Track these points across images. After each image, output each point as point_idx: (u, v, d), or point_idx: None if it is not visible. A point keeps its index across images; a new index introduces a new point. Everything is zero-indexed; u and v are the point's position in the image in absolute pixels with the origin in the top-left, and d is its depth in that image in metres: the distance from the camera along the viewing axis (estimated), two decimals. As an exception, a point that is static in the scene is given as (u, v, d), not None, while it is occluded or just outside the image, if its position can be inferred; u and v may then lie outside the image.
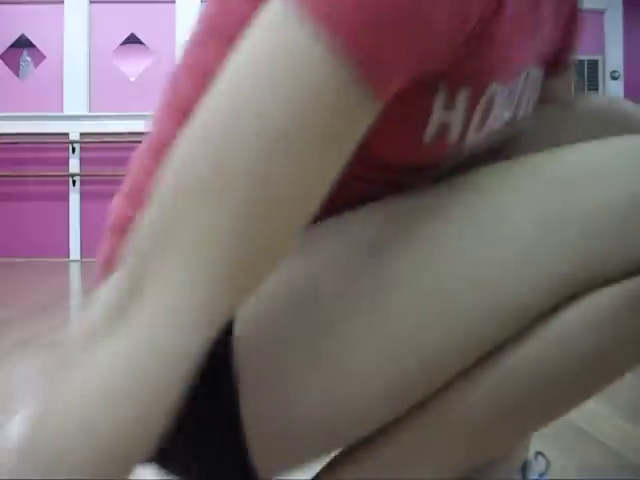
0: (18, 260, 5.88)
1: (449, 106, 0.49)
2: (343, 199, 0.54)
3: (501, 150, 0.67)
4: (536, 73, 0.62)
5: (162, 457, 0.56)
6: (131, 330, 0.40)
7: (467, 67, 0.48)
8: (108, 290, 0.46)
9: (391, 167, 0.54)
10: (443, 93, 0.49)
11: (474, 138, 0.53)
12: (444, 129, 0.51)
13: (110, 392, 0.39)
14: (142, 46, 6.20)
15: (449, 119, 0.50)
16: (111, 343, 0.40)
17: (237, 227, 0.40)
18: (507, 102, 0.55)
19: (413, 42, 0.40)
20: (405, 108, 0.49)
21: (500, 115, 0.55)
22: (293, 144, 0.40)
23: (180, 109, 0.58)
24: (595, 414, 1.25)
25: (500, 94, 0.53)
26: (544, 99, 0.73)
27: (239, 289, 0.42)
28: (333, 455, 0.58)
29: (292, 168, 0.40)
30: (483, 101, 0.51)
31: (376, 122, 0.46)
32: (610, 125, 0.70)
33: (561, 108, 0.73)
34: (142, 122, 6.07)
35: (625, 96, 6.50)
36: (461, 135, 0.52)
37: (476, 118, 0.52)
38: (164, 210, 0.42)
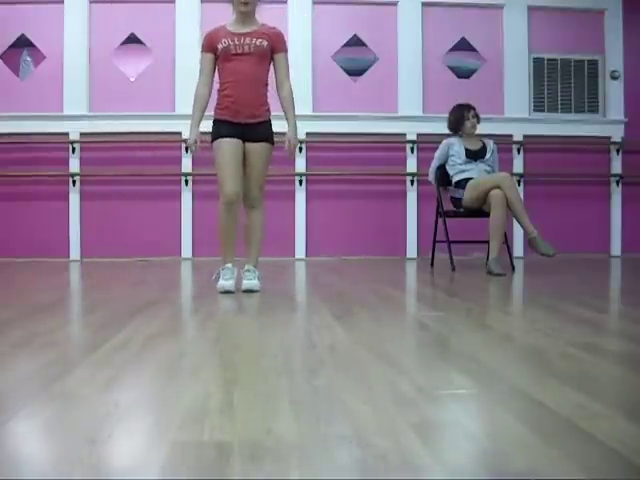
0: (18, 260, 5.88)
1: None
2: None
3: None
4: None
5: None
6: None
7: None
8: None
9: None
10: None
11: None
12: None
13: None
14: (142, 46, 6.20)
15: None
16: None
17: None
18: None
19: None
20: None
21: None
22: None
23: None
24: (595, 414, 1.25)
25: None
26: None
27: None
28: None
29: None
30: None
31: None
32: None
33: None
34: (142, 122, 6.07)
35: (625, 96, 6.50)
36: None
37: None
38: None
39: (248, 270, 3.35)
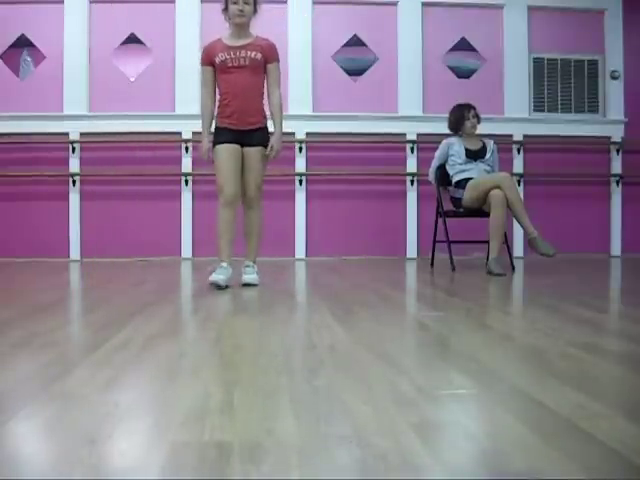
0: (18, 260, 5.88)
1: None
2: None
3: None
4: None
5: None
6: None
7: None
8: None
9: None
10: None
11: None
12: None
13: None
14: (142, 46, 6.20)
15: None
16: None
17: None
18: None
19: None
20: None
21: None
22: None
23: None
24: (595, 414, 1.25)
25: None
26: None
27: None
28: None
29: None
30: None
31: None
32: None
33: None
34: (142, 122, 6.07)
35: (625, 96, 6.50)
36: None
37: None
38: None
39: (248, 265, 3.71)
